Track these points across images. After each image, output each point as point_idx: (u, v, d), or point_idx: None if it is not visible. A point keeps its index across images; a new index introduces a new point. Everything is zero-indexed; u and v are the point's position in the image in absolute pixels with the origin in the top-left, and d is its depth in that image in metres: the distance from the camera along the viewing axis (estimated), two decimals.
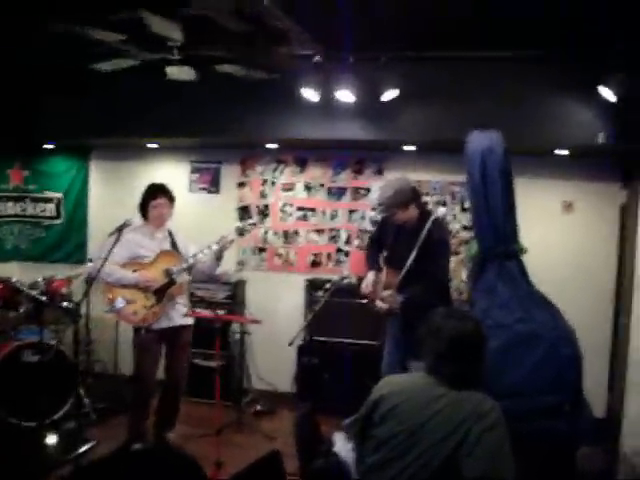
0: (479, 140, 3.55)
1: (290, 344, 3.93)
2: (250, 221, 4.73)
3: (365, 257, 5.00)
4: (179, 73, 4.51)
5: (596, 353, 5.26)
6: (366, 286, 4.70)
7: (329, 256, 6.12)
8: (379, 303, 4.39)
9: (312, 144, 5.59)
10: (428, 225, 4.42)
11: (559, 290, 5.43)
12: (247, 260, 6.24)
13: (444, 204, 5.80)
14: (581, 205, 5.75)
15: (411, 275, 4.37)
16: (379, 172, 5.98)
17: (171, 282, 4.46)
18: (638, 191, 5.18)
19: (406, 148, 5.57)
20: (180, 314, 4.58)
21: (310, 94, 4.74)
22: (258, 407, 5.65)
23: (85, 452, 4.43)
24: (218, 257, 4.59)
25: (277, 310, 6.06)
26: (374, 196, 5.85)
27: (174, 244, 4.65)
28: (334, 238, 6.09)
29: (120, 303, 4.40)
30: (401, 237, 4.60)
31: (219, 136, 5.65)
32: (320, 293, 5.71)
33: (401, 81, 4.69)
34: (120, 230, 4.16)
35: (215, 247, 4.46)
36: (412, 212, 4.48)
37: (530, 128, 4.79)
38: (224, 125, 5.42)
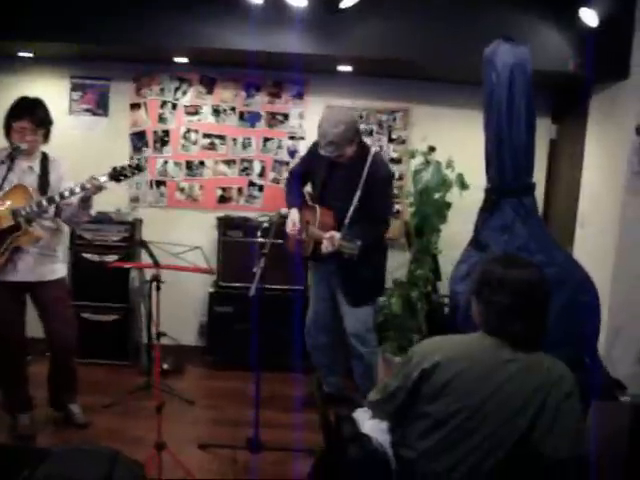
0: (509, 53, 2.95)
1: (251, 295, 3.26)
2: (132, 161, 3.75)
3: (286, 192, 4.38)
4: None
5: None
6: (293, 225, 4.10)
7: (240, 190, 5.35)
8: (326, 245, 3.78)
9: (235, 58, 4.68)
10: (369, 160, 3.94)
11: None
12: (143, 196, 5.31)
13: (370, 133, 5.22)
14: None
15: (351, 215, 3.92)
16: (299, 96, 5.24)
17: (16, 226, 3.49)
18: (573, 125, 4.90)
19: (340, 68, 4.86)
20: (42, 267, 3.69)
21: None
22: (165, 366, 4.90)
23: None
24: (84, 204, 3.61)
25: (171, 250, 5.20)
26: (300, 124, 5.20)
27: (44, 178, 3.66)
28: (246, 170, 5.32)
29: None
30: (335, 172, 4.05)
31: (108, 45, 4.51)
32: (235, 233, 5.02)
33: None
34: (11, 157, 3.25)
35: (78, 190, 3.48)
36: (353, 146, 3.93)
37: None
38: (115, 30, 4.31)
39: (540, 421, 2.03)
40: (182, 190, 5.33)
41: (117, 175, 3.50)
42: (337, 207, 4.03)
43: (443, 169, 4.64)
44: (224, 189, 5.35)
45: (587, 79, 4.19)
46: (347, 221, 3.91)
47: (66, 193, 3.47)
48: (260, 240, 4.41)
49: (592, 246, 4.53)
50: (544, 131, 5.40)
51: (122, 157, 5.11)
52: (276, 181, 5.32)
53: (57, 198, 3.48)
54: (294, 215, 4.16)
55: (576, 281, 2.92)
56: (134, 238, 5.01)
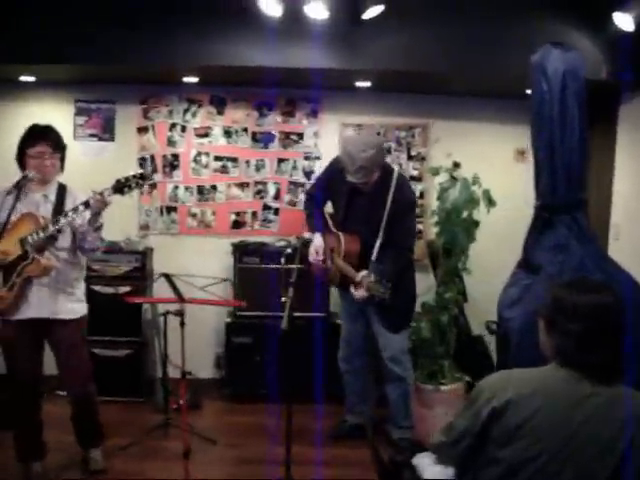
0: (560, 59, 2.75)
1: (284, 327, 3.01)
2: (137, 171, 3.46)
3: (306, 215, 4.15)
4: None
5: None
6: (316, 252, 3.89)
7: (254, 215, 5.12)
8: (356, 292, 3.62)
9: (247, 75, 4.47)
10: (394, 183, 3.74)
11: (512, 244, 5.07)
12: (153, 223, 5.08)
13: (389, 151, 5.00)
14: None
15: (379, 246, 3.73)
16: (313, 114, 5.04)
17: (24, 256, 3.24)
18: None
19: (358, 84, 4.66)
20: (57, 304, 3.40)
21: (271, 6, 3.66)
22: (181, 401, 4.63)
23: None
24: (93, 223, 3.33)
25: (194, 283, 4.95)
26: (309, 142, 4.99)
27: (59, 208, 3.39)
28: (260, 193, 5.11)
29: None
30: (358, 197, 3.82)
31: (112, 65, 4.32)
32: (251, 259, 4.78)
33: None
34: (19, 187, 3.02)
35: (82, 208, 3.23)
36: (380, 170, 3.74)
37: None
38: (119, 50, 4.12)
39: (628, 459, 1.80)
40: (194, 216, 5.10)
41: (121, 187, 3.25)
42: (362, 233, 3.83)
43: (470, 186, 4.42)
44: (238, 213, 5.12)
45: (622, 86, 3.99)
46: (375, 253, 3.70)
47: (70, 213, 3.24)
48: (280, 266, 4.20)
49: (628, 259, 4.31)
50: None
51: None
52: (292, 204, 5.10)
53: (62, 219, 3.24)
54: (318, 242, 3.95)
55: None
56: (145, 268, 4.76)
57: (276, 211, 5.12)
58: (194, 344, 4.90)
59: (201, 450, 4.02)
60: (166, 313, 4.14)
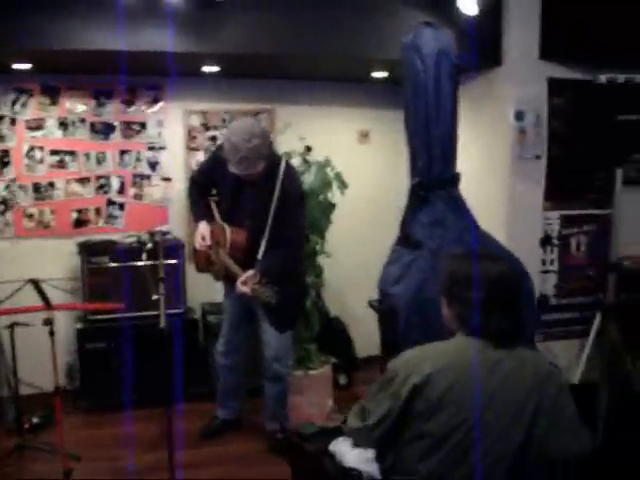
0: (434, 38, 2.77)
1: (162, 327, 2.80)
2: None
3: (190, 203, 3.97)
4: None
5: None
6: (202, 238, 3.69)
7: (98, 211, 4.79)
8: (241, 287, 3.44)
9: (83, 60, 4.11)
10: (281, 173, 3.60)
11: (357, 220, 5.20)
12: None
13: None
14: (376, 134, 5.39)
15: (267, 240, 3.58)
16: (155, 101, 4.79)
17: None
18: None
19: (206, 69, 4.48)
20: None
21: None
22: (35, 420, 4.24)
23: None
24: None
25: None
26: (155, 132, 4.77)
27: None
28: (103, 188, 4.78)
29: None
30: (244, 187, 3.65)
31: None
32: (101, 259, 4.47)
33: None
34: None
35: None
36: (265, 162, 3.56)
37: (358, 42, 4.12)
38: None
39: (541, 420, 1.91)
40: (31, 216, 4.66)
41: None
42: (248, 227, 3.66)
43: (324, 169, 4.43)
44: (80, 211, 4.75)
45: (467, 69, 4.17)
46: (262, 250, 3.55)
47: None
48: (141, 263, 3.98)
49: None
50: None
51: None
52: (138, 197, 4.84)
53: None
54: (204, 228, 3.71)
55: (517, 268, 2.82)
56: None
57: (121, 206, 4.82)
58: (39, 355, 4.54)
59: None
60: (13, 325, 3.78)
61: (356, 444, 2.13)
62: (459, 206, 2.93)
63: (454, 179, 2.95)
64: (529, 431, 1.90)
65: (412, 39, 2.87)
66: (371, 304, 3.08)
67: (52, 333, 3.30)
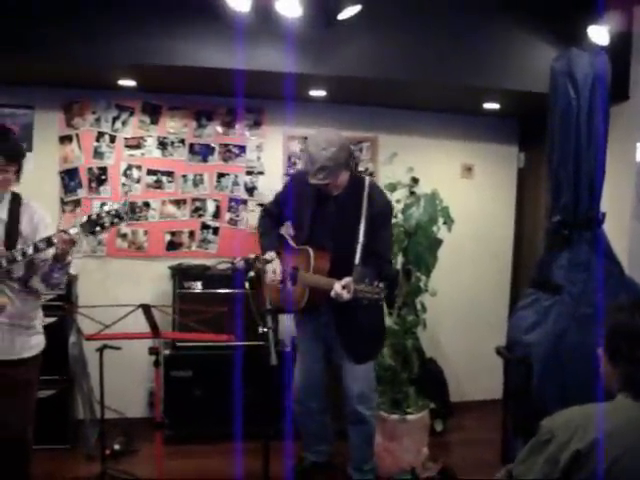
0: (589, 64, 2.53)
1: (274, 364, 2.58)
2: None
3: (260, 234, 3.71)
4: None
5: (494, 322, 4.66)
6: (275, 273, 3.47)
7: (192, 234, 4.66)
8: (341, 291, 3.16)
9: (184, 78, 4.04)
10: (367, 189, 3.41)
11: (459, 258, 4.95)
12: (77, 244, 4.47)
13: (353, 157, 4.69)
14: (480, 169, 5.16)
15: (344, 257, 3.33)
16: (256, 124, 4.67)
17: None
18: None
19: (313, 93, 4.33)
20: (14, 342, 2.84)
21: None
22: (116, 446, 4.08)
23: None
24: (59, 263, 2.80)
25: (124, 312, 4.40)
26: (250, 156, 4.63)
27: (13, 227, 2.81)
28: (198, 211, 4.65)
29: None
30: (327, 208, 3.44)
31: (31, 62, 3.73)
32: (193, 284, 4.31)
33: None
34: None
35: (43, 246, 2.69)
36: (345, 175, 3.40)
37: (481, 71, 3.91)
38: (40, 43, 3.54)
39: None
40: (124, 236, 4.56)
41: (92, 226, 2.74)
42: (333, 247, 3.42)
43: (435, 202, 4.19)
44: (173, 233, 4.63)
45: None
46: (357, 262, 3.30)
47: (29, 250, 2.68)
48: (232, 291, 3.79)
49: None
50: (511, 161, 5.22)
51: (52, 199, 4.38)
52: (233, 222, 4.68)
53: (18, 256, 2.68)
54: (275, 262, 3.48)
55: None
56: (71, 296, 4.18)
57: (215, 230, 4.68)
58: (123, 380, 4.40)
59: None
60: (103, 347, 3.62)
61: None
62: (606, 249, 2.63)
63: (601, 218, 2.66)
64: None
65: (565, 64, 2.62)
66: (499, 351, 2.79)
67: (157, 363, 3.10)
